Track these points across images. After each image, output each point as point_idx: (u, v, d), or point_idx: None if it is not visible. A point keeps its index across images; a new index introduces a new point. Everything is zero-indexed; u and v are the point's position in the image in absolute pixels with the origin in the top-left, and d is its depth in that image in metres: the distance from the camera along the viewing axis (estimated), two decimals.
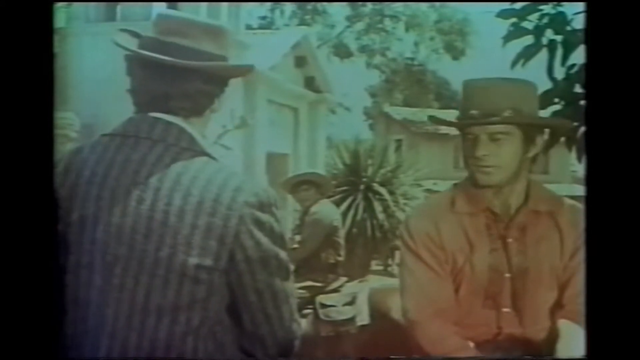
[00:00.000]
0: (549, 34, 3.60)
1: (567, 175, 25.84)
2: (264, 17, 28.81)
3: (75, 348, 1.80)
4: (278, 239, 1.89)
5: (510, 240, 2.46)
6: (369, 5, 28.41)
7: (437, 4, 28.01)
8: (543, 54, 3.60)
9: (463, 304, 2.48)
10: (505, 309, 2.45)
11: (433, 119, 2.74)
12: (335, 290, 5.97)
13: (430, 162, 18.18)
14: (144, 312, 1.77)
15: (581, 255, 2.33)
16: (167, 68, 1.86)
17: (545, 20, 3.61)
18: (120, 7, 14.83)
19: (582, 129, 3.41)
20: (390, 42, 29.78)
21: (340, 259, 6.19)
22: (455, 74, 29.42)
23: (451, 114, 2.81)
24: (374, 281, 6.69)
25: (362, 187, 14.59)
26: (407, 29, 29.13)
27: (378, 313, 5.36)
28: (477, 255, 2.46)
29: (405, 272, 2.57)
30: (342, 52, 29.58)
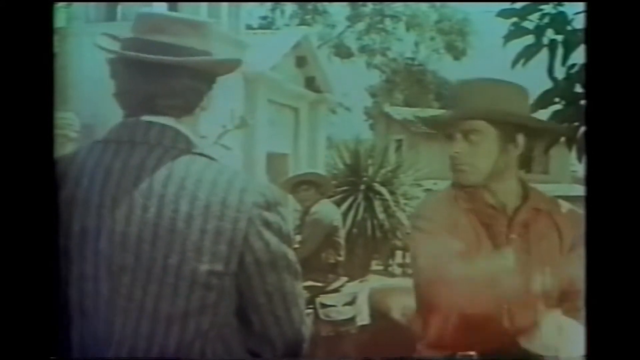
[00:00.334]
0: (549, 33, 3.60)
1: (567, 175, 25.82)
2: (264, 17, 28.81)
3: (81, 355, 1.79)
4: (286, 238, 1.89)
5: (513, 236, 2.46)
6: (370, 5, 28.40)
7: (438, 3, 28.01)
8: (543, 54, 3.59)
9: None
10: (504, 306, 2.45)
11: (419, 119, 2.76)
12: (336, 290, 5.97)
13: (430, 162, 18.16)
14: (153, 319, 1.75)
15: (579, 254, 2.33)
16: (151, 67, 1.84)
17: (545, 20, 3.61)
18: (120, 7, 14.82)
19: (582, 129, 3.41)
20: (391, 42, 29.78)
21: (341, 259, 6.19)
22: (456, 74, 29.43)
23: (438, 113, 2.83)
24: (374, 281, 6.69)
25: (362, 187, 14.58)
26: (407, 29, 29.14)
27: (378, 313, 5.36)
28: (483, 250, 2.46)
29: (422, 256, 2.52)
30: (342, 52, 29.58)
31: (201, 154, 1.89)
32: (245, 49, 15.78)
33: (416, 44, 29.74)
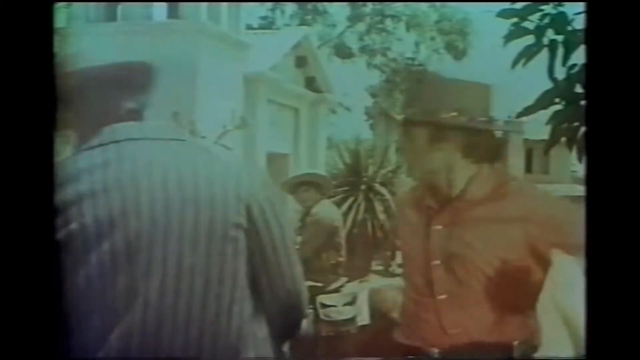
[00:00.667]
0: (549, 34, 3.60)
1: (567, 175, 25.84)
2: (264, 17, 28.83)
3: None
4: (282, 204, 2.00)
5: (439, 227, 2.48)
6: (370, 5, 28.42)
7: (438, 3, 28.02)
8: (544, 54, 3.59)
9: None
10: (440, 297, 2.45)
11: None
12: (336, 290, 5.97)
13: None
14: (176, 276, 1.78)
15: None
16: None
17: (546, 20, 3.61)
18: (120, 7, 14.84)
19: (583, 129, 3.41)
20: (391, 42, 29.80)
21: (341, 259, 6.19)
22: (456, 74, 29.37)
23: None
24: (374, 281, 6.71)
25: (363, 187, 14.57)
26: (407, 29, 29.16)
27: (378, 313, 5.36)
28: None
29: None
30: (342, 52, 29.60)
31: (192, 142, 1.96)
32: (247, 49, 15.80)
33: (416, 44, 29.77)
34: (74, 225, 1.72)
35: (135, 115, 1.90)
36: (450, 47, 29.29)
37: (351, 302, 5.87)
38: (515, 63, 3.60)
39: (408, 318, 2.60)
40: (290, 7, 28.80)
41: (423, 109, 2.48)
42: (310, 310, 5.80)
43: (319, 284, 5.88)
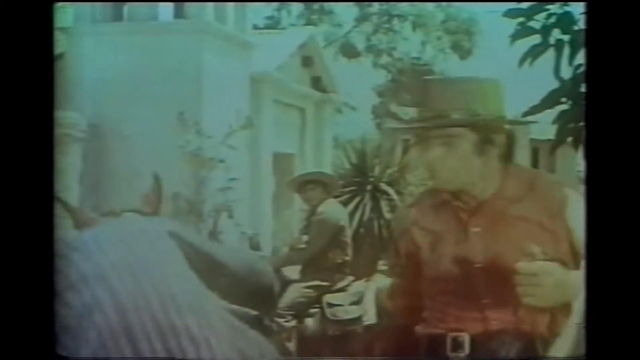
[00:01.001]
0: (556, 33, 3.60)
1: (573, 175, 25.77)
2: (270, 17, 28.79)
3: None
4: None
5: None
6: (376, 5, 28.39)
7: (444, 3, 27.98)
8: (550, 54, 3.59)
9: None
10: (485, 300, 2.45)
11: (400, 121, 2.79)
12: (342, 290, 5.97)
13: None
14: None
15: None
16: None
17: (552, 19, 3.61)
18: (127, 6, 14.84)
19: None
20: (397, 42, 29.75)
21: (348, 258, 6.19)
22: (462, 73, 29.37)
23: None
24: (380, 280, 6.69)
25: (369, 187, 14.54)
26: (413, 29, 29.11)
27: (385, 312, 5.35)
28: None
29: None
30: (349, 52, 29.56)
31: None
32: (253, 49, 15.79)
33: (422, 44, 29.71)
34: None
35: None
36: (456, 47, 29.22)
37: (357, 302, 5.87)
38: (521, 62, 3.60)
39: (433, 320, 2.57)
40: (296, 7, 28.77)
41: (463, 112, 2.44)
42: (317, 310, 5.81)
43: (325, 283, 5.89)
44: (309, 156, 18.50)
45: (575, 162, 24.61)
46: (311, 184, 6.16)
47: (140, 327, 1.75)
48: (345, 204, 11.53)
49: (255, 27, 20.37)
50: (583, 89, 3.56)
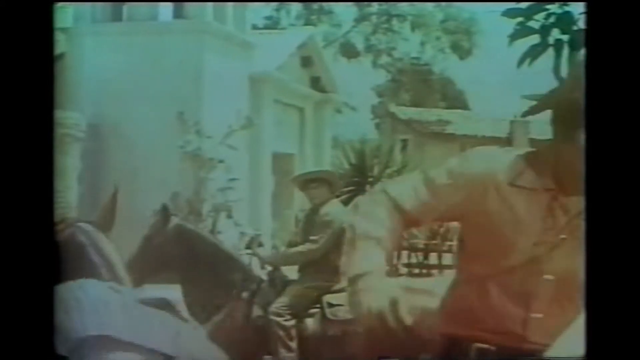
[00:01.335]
0: (555, 33, 3.59)
1: None
2: (270, 17, 28.82)
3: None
4: None
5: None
6: (375, 5, 28.41)
7: (444, 3, 27.99)
8: (549, 54, 3.59)
9: None
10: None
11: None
12: (343, 290, 5.96)
13: (436, 162, 18.15)
14: None
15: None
16: None
17: (551, 19, 3.60)
18: (126, 6, 14.85)
19: None
20: (397, 42, 29.77)
21: None
22: (462, 73, 29.40)
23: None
24: None
25: (368, 187, 14.58)
26: (413, 29, 29.12)
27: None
28: None
29: None
30: (348, 52, 29.58)
31: None
32: (252, 49, 15.81)
33: (422, 44, 29.72)
34: None
35: None
36: (455, 47, 29.23)
37: None
38: (520, 62, 3.60)
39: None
40: (295, 7, 28.80)
41: None
42: (317, 310, 5.80)
43: (326, 284, 5.88)
44: (308, 156, 18.51)
45: None
46: (314, 183, 6.15)
47: None
48: (344, 203, 11.51)
49: (255, 27, 20.38)
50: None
